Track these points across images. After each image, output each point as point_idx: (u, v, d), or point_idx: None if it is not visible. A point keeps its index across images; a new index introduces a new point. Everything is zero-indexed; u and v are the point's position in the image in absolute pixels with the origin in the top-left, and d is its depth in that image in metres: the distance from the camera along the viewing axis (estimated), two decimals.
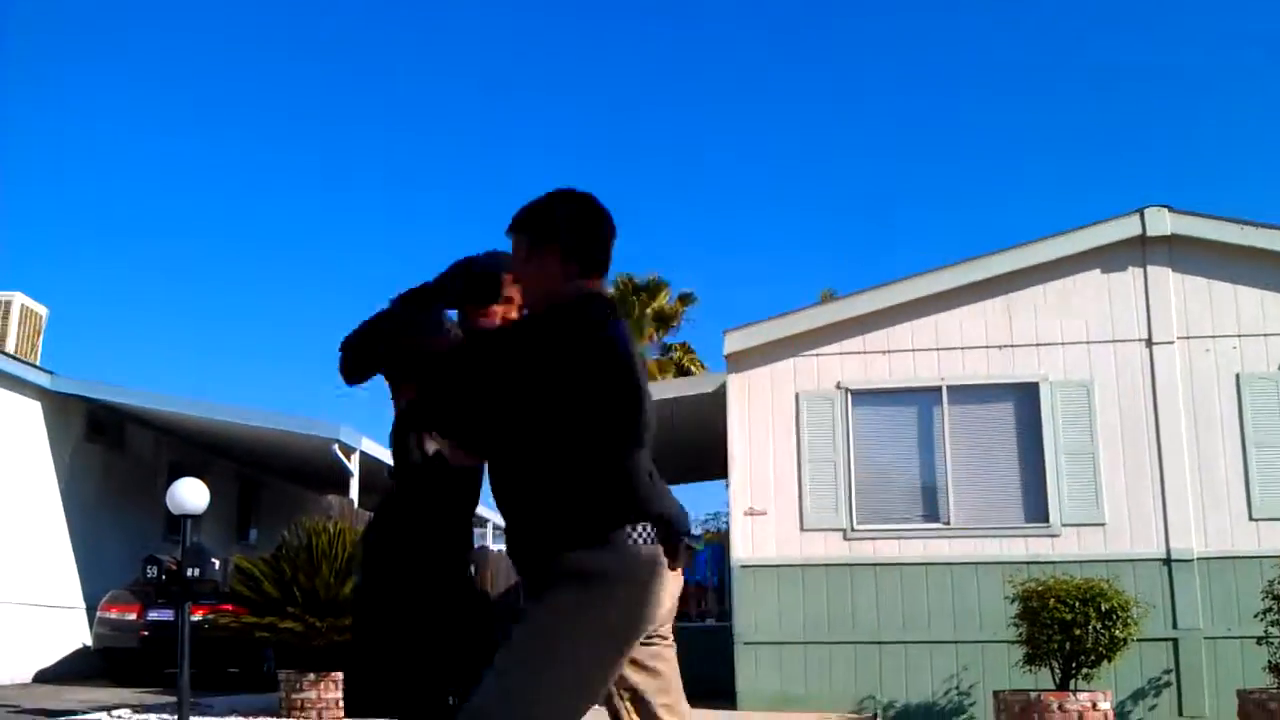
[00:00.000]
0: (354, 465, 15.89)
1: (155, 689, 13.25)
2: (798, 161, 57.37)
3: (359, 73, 56.68)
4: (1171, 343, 11.47)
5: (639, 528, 2.66)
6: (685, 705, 3.22)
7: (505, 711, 2.47)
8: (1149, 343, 11.51)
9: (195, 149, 55.84)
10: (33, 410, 15.69)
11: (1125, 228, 11.70)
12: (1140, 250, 11.70)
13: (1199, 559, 11.03)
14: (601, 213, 2.96)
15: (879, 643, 11.28)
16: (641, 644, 2.88)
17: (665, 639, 3.20)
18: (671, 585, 2.78)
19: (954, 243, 63.34)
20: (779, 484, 11.74)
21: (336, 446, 15.69)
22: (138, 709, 10.43)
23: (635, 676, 3.08)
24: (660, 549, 2.68)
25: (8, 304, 17.23)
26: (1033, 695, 9.41)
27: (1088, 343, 11.57)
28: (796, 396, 11.86)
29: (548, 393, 2.66)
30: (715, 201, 58.68)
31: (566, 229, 2.88)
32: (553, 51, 58.17)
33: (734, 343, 12.06)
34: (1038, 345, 11.63)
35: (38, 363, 16.59)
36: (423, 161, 62.27)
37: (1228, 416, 11.32)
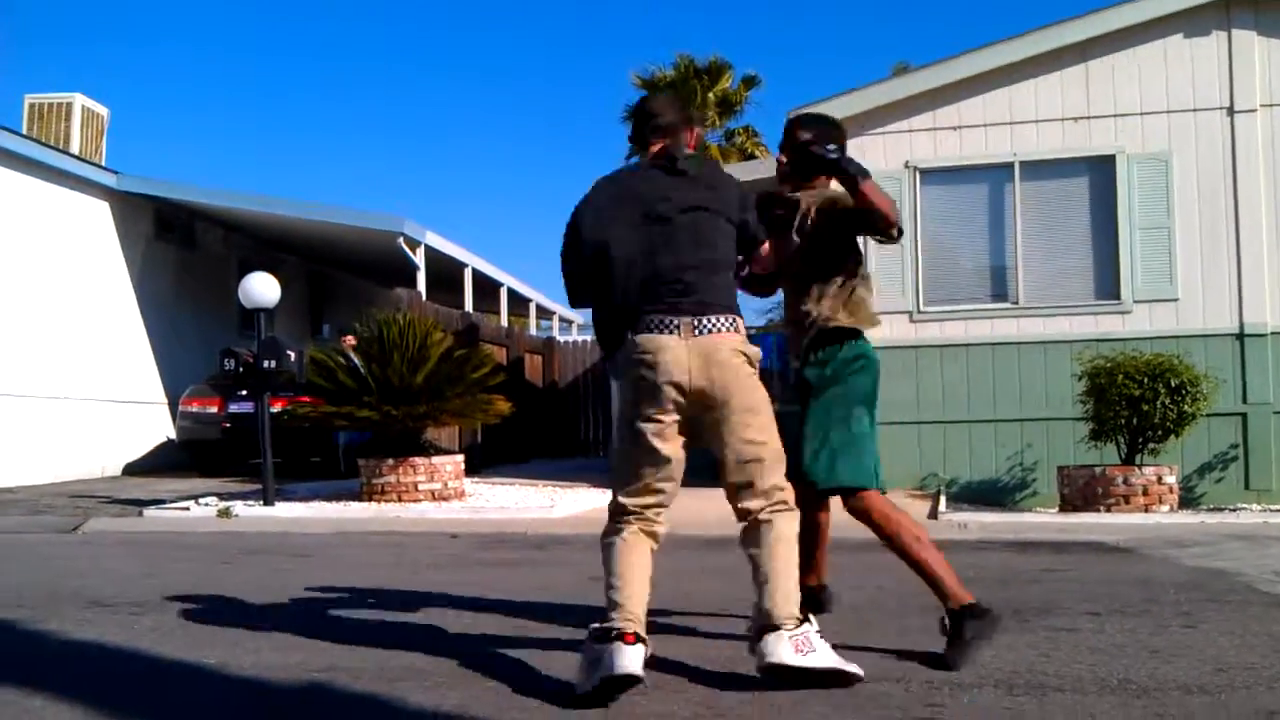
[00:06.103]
0: (420, 258, 15.96)
1: (239, 478, 13.76)
2: None
3: None
4: (1254, 110, 11.02)
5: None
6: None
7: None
8: (1230, 111, 11.06)
9: None
10: (101, 210, 15.86)
11: None
12: (1225, 13, 11.12)
13: (1272, 333, 10.86)
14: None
15: (942, 423, 11.33)
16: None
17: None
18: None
19: (1032, 13, 60.61)
20: None
21: (401, 240, 15.72)
22: (224, 496, 10.84)
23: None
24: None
25: (69, 105, 17.25)
26: (1097, 470, 9.47)
27: (1167, 112, 11.14)
28: None
29: None
30: None
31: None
32: None
33: None
34: (1115, 116, 11.22)
35: (103, 163, 16.69)
36: None
37: None
